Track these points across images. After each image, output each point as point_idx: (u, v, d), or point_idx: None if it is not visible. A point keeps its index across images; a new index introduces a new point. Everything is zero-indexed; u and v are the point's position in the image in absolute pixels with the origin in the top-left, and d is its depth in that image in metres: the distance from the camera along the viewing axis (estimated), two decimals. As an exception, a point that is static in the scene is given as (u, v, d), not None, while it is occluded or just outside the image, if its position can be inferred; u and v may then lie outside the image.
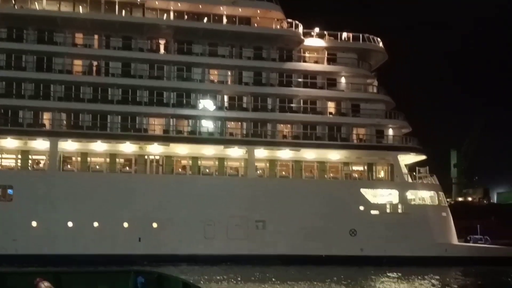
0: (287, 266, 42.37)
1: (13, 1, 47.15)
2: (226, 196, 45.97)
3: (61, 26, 47.13)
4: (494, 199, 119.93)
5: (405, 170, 53.09)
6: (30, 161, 46.50)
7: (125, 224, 44.35)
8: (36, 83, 46.46)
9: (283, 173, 50.16)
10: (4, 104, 45.55)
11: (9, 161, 46.85)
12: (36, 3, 47.58)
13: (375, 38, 53.05)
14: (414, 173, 52.68)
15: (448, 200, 56.85)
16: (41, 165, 46.58)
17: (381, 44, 53.91)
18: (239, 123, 49.46)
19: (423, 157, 53.55)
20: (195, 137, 47.69)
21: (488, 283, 38.94)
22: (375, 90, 54.01)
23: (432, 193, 51.21)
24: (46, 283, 11.91)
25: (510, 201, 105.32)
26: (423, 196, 51.58)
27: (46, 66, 47.06)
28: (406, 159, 53.49)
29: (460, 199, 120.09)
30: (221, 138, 48.12)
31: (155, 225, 44.82)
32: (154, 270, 14.93)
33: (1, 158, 46.08)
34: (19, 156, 46.10)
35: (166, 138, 47.19)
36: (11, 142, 45.34)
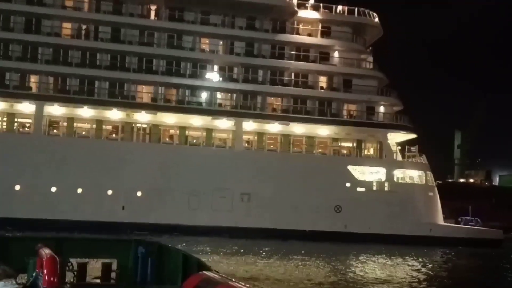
0: (271, 240, 42.79)
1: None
2: (212, 168, 46.08)
3: (50, -12, 46.56)
4: (496, 181, 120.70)
5: (395, 148, 53.31)
6: (15, 124, 46.46)
7: (109, 192, 44.55)
8: (23, 45, 46.09)
9: (271, 146, 50.20)
10: (-9, 65, 45.35)
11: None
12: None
13: (370, 12, 52.49)
14: (404, 152, 52.96)
15: (438, 181, 57.00)
16: (26, 128, 46.56)
17: (376, 19, 53.39)
18: (229, 94, 49.37)
19: (413, 135, 53.61)
20: (183, 107, 47.56)
21: (469, 264, 39.36)
22: (369, 66, 53.80)
23: (420, 172, 51.41)
24: (47, 250, 11.94)
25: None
26: (412, 175, 51.87)
27: (35, 28, 46.63)
28: (397, 137, 53.56)
29: (462, 180, 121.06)
30: (210, 109, 48.00)
31: (139, 193, 45.04)
32: (154, 240, 14.91)
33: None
34: (5, 119, 46.04)
35: (153, 106, 47.08)
36: (-4, 104, 45.29)
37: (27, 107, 45.41)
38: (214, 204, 45.71)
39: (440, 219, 51.57)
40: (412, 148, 52.89)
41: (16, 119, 46.31)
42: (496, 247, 48.63)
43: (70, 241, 15.04)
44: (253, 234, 44.24)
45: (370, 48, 56.70)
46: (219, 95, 49.11)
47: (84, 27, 47.39)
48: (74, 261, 13.07)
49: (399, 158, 52.47)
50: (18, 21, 46.15)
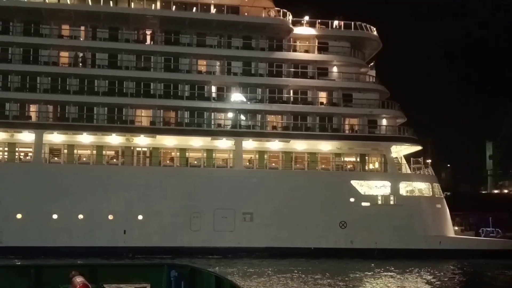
0: (275, 259, 42.89)
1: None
2: (213, 188, 46.52)
3: (47, 18, 47.92)
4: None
5: (402, 161, 53.30)
6: (16, 154, 47.55)
7: (110, 217, 45.16)
8: (22, 75, 47.38)
9: (273, 164, 50.54)
10: (-9, 97, 46.69)
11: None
12: (22, -6, 48.51)
13: (367, 26, 53.01)
14: (410, 165, 52.91)
15: (447, 192, 56.61)
16: (28, 157, 47.62)
17: (375, 32, 53.90)
18: (228, 114, 50.01)
19: (418, 147, 53.57)
20: (182, 129, 48.26)
21: (479, 277, 38.89)
22: (371, 80, 54.22)
23: (426, 184, 51.23)
24: (80, 278, 12.26)
25: None
26: (419, 187, 51.70)
27: (33, 58, 47.97)
28: (402, 150, 53.60)
29: (496, 191, 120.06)
30: (208, 130, 48.63)
31: (140, 217, 45.58)
32: (187, 264, 15.22)
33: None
34: (6, 149, 47.17)
35: (152, 129, 47.90)
36: (-3, 135, 46.50)
37: (27, 136, 46.50)
38: (216, 225, 46.06)
39: (450, 231, 51.12)
40: (420, 160, 52.87)
41: (17, 149, 47.37)
42: (509, 258, 47.91)
43: (104, 267, 15.38)
44: (257, 254, 44.51)
45: (373, 62, 57.25)
46: (218, 115, 49.82)
47: (81, 54, 48.58)
48: (108, 287, 13.52)
49: (408, 170, 52.46)
50: (16, 52, 47.51)
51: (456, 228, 58.27)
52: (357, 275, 36.32)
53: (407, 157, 54.39)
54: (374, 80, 54.52)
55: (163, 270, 14.17)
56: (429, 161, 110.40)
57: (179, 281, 13.62)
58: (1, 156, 47.32)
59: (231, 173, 48.04)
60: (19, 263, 19.11)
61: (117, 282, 13.85)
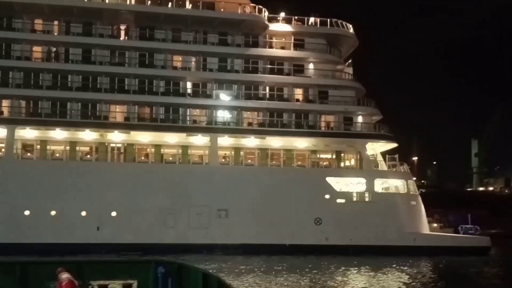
0: (250, 256, 43.06)
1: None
2: (188, 185, 46.61)
3: (20, 12, 47.64)
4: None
5: (380, 158, 53.84)
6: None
7: (83, 213, 45.02)
8: (-7, 70, 47.12)
9: (249, 161, 50.76)
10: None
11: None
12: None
13: (343, 23, 53.45)
14: (383, 162, 53.47)
15: (422, 189, 57.32)
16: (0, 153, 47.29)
17: (351, 30, 54.37)
18: (203, 110, 50.12)
19: (394, 144, 54.09)
20: (156, 125, 48.27)
21: (451, 274, 39.40)
22: (348, 77, 54.69)
23: (401, 181, 51.81)
24: (66, 274, 12.33)
25: None
26: (394, 184, 52.29)
27: (5, 53, 47.65)
28: (378, 147, 54.14)
29: (481, 188, 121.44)
30: (183, 126, 48.71)
31: (114, 214, 45.50)
32: (174, 260, 15.32)
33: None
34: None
35: (126, 125, 47.78)
36: (-32, 130, 46.09)
37: (-1, 132, 46.27)
38: (191, 222, 46.15)
39: (425, 228, 51.77)
40: (397, 157, 53.43)
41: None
42: (483, 254, 48.73)
43: (91, 264, 15.41)
44: (232, 250, 44.68)
45: (350, 59, 57.76)
46: (193, 111, 49.89)
47: (54, 49, 48.37)
48: (95, 284, 13.68)
49: (385, 168, 53.02)
50: (-12, 47, 47.29)
51: (435, 225, 59.05)
52: (332, 272, 36.53)
53: (384, 154, 54.97)
54: (351, 78, 55.04)
55: (150, 267, 14.32)
56: (415, 158, 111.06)
57: (166, 277, 13.73)
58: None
59: (206, 169, 48.17)
60: (3, 260, 18.81)
61: (104, 278, 13.98)
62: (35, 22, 48.65)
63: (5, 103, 47.22)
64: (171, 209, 45.98)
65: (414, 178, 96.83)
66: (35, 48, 48.41)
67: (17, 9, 47.32)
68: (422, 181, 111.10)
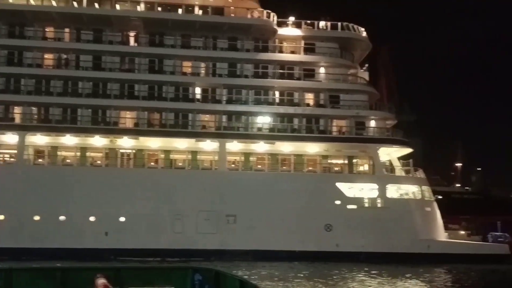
0: (258, 262, 43.38)
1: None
2: (197, 190, 47.26)
3: (31, 20, 49.20)
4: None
5: (396, 164, 53.69)
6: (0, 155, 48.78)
7: (92, 218, 46.10)
8: (6, 77, 48.64)
9: (259, 166, 51.24)
10: (-25, 99, 47.99)
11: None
12: (6, -3, 49.84)
13: (355, 26, 53.68)
14: (400, 167, 53.27)
15: (438, 195, 56.81)
16: (12, 159, 48.77)
17: (364, 33, 54.56)
18: (213, 115, 50.81)
19: (409, 150, 53.92)
20: (165, 130, 49.20)
21: (466, 283, 38.84)
22: (361, 81, 54.87)
23: (416, 187, 51.58)
24: (102, 280, 12.82)
25: None
26: (408, 190, 52.02)
27: (17, 60, 49.27)
28: (392, 152, 53.98)
29: None
30: (192, 131, 49.50)
31: (122, 219, 46.46)
32: (211, 267, 15.54)
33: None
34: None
35: (136, 131, 48.80)
36: (-19, 136, 47.75)
37: (11, 138, 47.71)
38: (199, 227, 46.80)
39: (440, 235, 51.37)
40: (407, 162, 53.22)
41: (1, 150, 48.60)
42: (501, 262, 48.07)
43: (128, 270, 15.86)
44: (240, 256, 45.11)
45: (366, 64, 58.04)
46: (203, 117, 50.68)
47: (65, 56, 49.83)
48: None
49: (402, 173, 52.83)
50: (1, 54, 48.84)
51: (462, 232, 58.30)
52: (343, 279, 36.42)
53: (406, 160, 54.51)
54: (364, 82, 55.17)
55: (187, 274, 14.65)
56: (459, 164, 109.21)
57: (203, 284, 14.02)
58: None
59: (214, 175, 48.84)
60: (46, 266, 19.51)
61: (141, 285, 14.31)
62: (46, 29, 50.20)
63: (17, 109, 48.72)
64: (179, 214, 46.71)
65: (458, 185, 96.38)
66: (47, 55, 49.91)
67: (28, 17, 48.90)
68: (466, 188, 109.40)
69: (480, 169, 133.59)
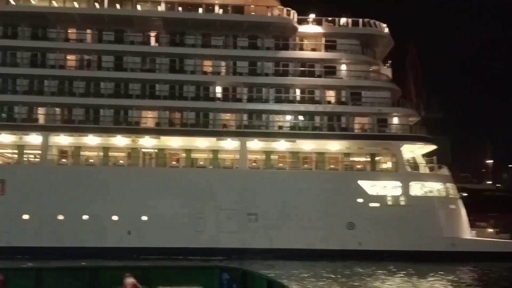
0: (280, 261, 43.36)
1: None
2: (218, 189, 47.45)
3: (54, 22, 49.92)
4: None
5: (420, 161, 53.12)
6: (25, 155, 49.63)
7: (115, 217, 46.62)
8: (30, 79, 49.47)
9: (280, 164, 51.20)
10: (0, 100, 48.87)
11: (6, 155, 50.23)
12: (30, -1, 50.73)
13: (377, 22, 53.26)
14: (424, 164, 52.72)
15: (463, 193, 56.05)
16: (36, 159, 49.59)
17: (386, 30, 54.09)
18: (234, 114, 50.93)
19: (433, 146, 53.30)
20: (187, 130, 49.44)
21: (490, 281, 38.22)
22: (384, 78, 54.44)
23: (439, 184, 50.93)
24: (131, 279, 13.12)
25: None
26: (432, 187, 51.40)
27: (40, 62, 50.06)
28: (416, 149, 53.40)
29: None
30: (212, 130, 49.70)
31: (145, 218, 46.88)
32: (238, 267, 15.73)
33: (-3, 152, 49.58)
34: (15, 151, 49.30)
35: (157, 130, 49.23)
36: (7, 137, 48.59)
37: (35, 138, 48.51)
38: (220, 226, 46.99)
39: (466, 233, 50.62)
40: (431, 159, 52.58)
41: (25, 151, 49.43)
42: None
43: (156, 269, 16.08)
44: (262, 255, 45.08)
45: (389, 61, 57.49)
46: (223, 115, 50.83)
47: (87, 57, 50.51)
48: None
49: (426, 170, 52.26)
50: (24, 56, 49.70)
51: (490, 230, 57.37)
52: (367, 278, 36.15)
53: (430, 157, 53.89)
54: (388, 78, 54.68)
55: (215, 273, 14.80)
56: (490, 161, 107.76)
57: (231, 283, 14.13)
58: (10, 158, 49.64)
59: (235, 173, 48.95)
60: (75, 265, 19.89)
61: (169, 284, 14.46)
62: (68, 31, 50.88)
63: (41, 110, 49.52)
64: (201, 213, 46.94)
65: (490, 182, 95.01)
66: (69, 57, 50.61)
67: (51, 19, 49.63)
68: (498, 185, 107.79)
69: (511, 166, 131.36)
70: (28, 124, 48.53)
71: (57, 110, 49.57)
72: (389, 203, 49.32)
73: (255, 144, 49.82)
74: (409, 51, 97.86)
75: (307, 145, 50.56)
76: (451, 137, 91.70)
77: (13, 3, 50.09)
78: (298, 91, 51.51)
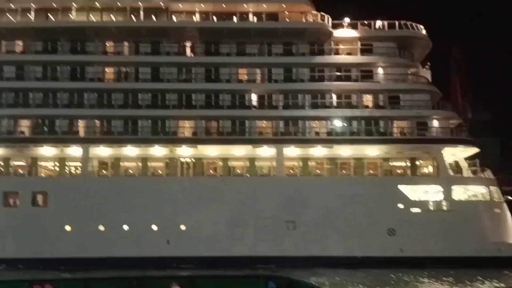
0: (319, 269, 42.93)
1: (47, 15, 51.61)
2: (255, 196, 47.39)
3: (92, 36, 50.93)
4: None
5: (463, 164, 51.87)
6: (66, 168, 50.74)
7: (154, 227, 47.12)
8: (70, 92, 50.61)
9: (317, 171, 50.78)
10: (41, 114, 50.12)
11: (49, 168, 51.47)
12: (68, 14, 51.64)
13: (414, 24, 52.30)
14: (467, 168, 51.38)
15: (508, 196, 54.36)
16: (77, 171, 50.64)
17: (423, 31, 53.09)
18: (270, 121, 50.81)
19: (475, 149, 51.93)
20: (223, 138, 49.65)
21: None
22: (423, 80, 53.46)
23: (483, 188, 49.54)
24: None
25: None
26: (475, 191, 50.02)
27: (80, 75, 51.17)
28: (458, 152, 52.12)
29: None
30: (249, 138, 49.70)
31: (183, 227, 47.21)
32: (284, 275, 15.79)
33: (40, 165, 50.73)
34: (57, 163, 50.47)
35: (194, 140, 49.61)
36: (48, 150, 49.83)
37: (75, 151, 49.56)
38: (258, 234, 46.86)
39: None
40: (473, 163, 51.19)
41: (66, 163, 50.55)
42: None
43: (202, 278, 16.34)
44: (301, 263, 44.72)
45: (428, 62, 56.44)
46: (260, 123, 50.76)
47: (124, 70, 51.37)
48: None
49: (469, 174, 50.96)
50: (64, 70, 50.87)
51: None
52: (409, 285, 35.75)
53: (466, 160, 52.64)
54: (427, 81, 53.65)
55: (261, 282, 14.79)
56: None
57: None
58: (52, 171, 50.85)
59: (273, 181, 48.80)
60: (122, 274, 20.35)
61: None
62: (106, 44, 51.79)
63: (81, 123, 50.58)
64: (238, 221, 46.96)
65: None
66: (107, 69, 51.51)
67: (88, 33, 50.65)
68: None
69: None
70: (69, 137, 49.56)
71: (97, 122, 50.48)
72: (431, 208, 48.25)
73: (292, 151, 49.58)
74: (453, 51, 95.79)
75: (345, 151, 49.96)
76: (500, 140, 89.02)
77: (52, 18, 51.31)
78: (334, 96, 50.98)
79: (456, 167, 51.28)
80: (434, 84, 53.67)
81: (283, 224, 47.11)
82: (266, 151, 49.77)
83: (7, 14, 51.16)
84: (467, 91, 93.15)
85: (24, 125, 50.39)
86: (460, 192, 49.11)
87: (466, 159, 52.56)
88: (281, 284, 14.33)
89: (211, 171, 50.78)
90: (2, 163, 50.08)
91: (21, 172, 50.77)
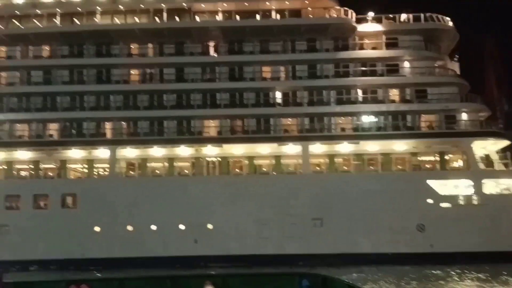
0: (348, 266, 42.50)
1: (72, 19, 52.35)
2: (281, 194, 47.17)
3: (117, 38, 51.45)
4: None
5: (494, 157, 50.74)
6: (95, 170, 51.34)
7: (181, 226, 47.31)
8: (96, 95, 51.23)
9: (344, 167, 50.29)
10: (69, 117, 50.87)
11: (77, 170, 52.15)
12: (93, 17, 52.22)
13: (440, 16, 51.36)
14: (498, 161, 50.18)
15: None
16: (105, 172, 51.20)
17: (450, 23, 52.09)
18: (295, 119, 50.53)
19: (506, 142, 50.69)
20: (248, 137, 49.54)
21: None
22: (451, 73, 52.48)
23: (515, 180, 48.30)
24: (210, 287, 13.80)
25: None
26: (508, 185, 48.80)
27: (105, 78, 51.75)
28: (488, 145, 50.99)
29: None
30: (274, 136, 49.49)
31: (210, 226, 47.29)
32: (319, 273, 15.99)
33: (69, 168, 51.46)
34: (85, 165, 51.13)
35: (219, 139, 49.66)
36: (76, 152, 50.53)
37: (103, 153, 50.10)
38: (285, 232, 46.64)
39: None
40: (504, 155, 49.95)
41: (94, 165, 51.16)
42: None
43: (236, 277, 16.55)
44: (329, 260, 44.29)
45: (456, 55, 55.42)
46: (284, 121, 50.51)
47: (149, 71, 51.73)
48: None
49: (501, 167, 49.83)
50: (90, 73, 51.54)
51: None
52: (444, 281, 35.24)
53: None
54: (455, 73, 52.65)
55: (295, 280, 14.87)
56: None
57: None
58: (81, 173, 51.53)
59: (299, 178, 48.51)
60: (156, 274, 20.66)
61: None
62: (131, 46, 52.28)
63: (108, 125, 51.08)
64: (265, 219, 46.80)
65: None
66: (132, 71, 52.00)
67: (113, 36, 51.21)
68: None
69: None
70: (96, 139, 50.14)
71: (123, 123, 50.95)
72: (461, 202, 47.30)
73: (317, 147, 49.23)
74: (487, 42, 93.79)
75: (372, 147, 49.36)
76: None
77: (77, 23, 52.03)
78: (360, 92, 50.44)
79: (487, 160, 50.17)
80: (465, 76, 52.69)
81: (310, 221, 46.78)
82: (291, 149, 49.50)
83: (34, 20, 52.06)
84: (503, 83, 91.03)
85: (53, 129, 51.17)
86: (491, 186, 48.02)
87: (497, 152, 51.39)
88: (315, 281, 14.20)
89: (237, 170, 50.73)
90: (32, 166, 50.93)
91: (51, 174, 51.51)
